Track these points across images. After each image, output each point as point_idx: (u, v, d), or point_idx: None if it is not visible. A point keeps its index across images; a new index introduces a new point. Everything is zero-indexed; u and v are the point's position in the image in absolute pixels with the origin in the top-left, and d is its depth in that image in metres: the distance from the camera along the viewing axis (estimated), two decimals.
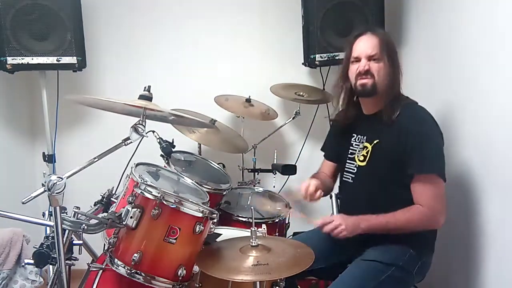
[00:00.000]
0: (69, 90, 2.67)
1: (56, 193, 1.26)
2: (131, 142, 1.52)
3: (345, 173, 1.80)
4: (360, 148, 1.74)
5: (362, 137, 1.75)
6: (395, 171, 1.61)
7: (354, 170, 1.75)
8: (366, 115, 1.75)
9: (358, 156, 1.73)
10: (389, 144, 1.63)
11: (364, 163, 1.71)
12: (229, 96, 2.56)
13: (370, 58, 1.63)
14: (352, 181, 1.75)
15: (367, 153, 1.70)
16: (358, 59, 1.65)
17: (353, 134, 1.78)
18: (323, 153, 1.99)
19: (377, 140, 1.68)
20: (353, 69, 1.67)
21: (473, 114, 1.73)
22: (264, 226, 1.57)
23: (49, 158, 2.60)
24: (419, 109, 1.66)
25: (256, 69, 2.81)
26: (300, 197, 1.70)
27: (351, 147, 1.78)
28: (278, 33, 2.79)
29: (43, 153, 2.62)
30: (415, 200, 1.59)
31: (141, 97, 1.59)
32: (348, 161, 1.78)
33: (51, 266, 1.79)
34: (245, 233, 1.75)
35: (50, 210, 2.25)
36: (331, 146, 1.95)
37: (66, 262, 1.39)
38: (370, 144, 1.69)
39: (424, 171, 1.57)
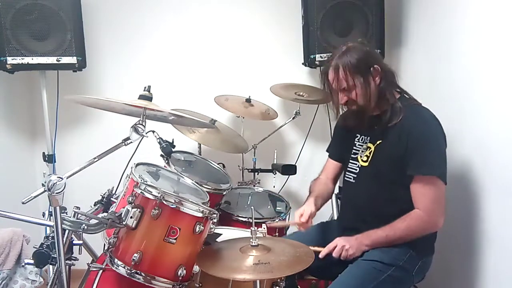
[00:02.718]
0: (69, 90, 2.67)
1: (56, 193, 1.26)
2: (131, 142, 1.52)
3: (347, 173, 1.80)
4: (363, 149, 1.73)
5: (365, 137, 1.74)
6: (396, 172, 1.61)
7: (356, 170, 1.74)
8: (370, 116, 1.73)
9: (361, 157, 1.73)
10: (391, 144, 1.63)
11: (366, 164, 1.71)
12: (229, 96, 2.56)
13: (342, 90, 1.64)
14: (354, 181, 1.75)
15: (370, 153, 1.70)
16: (336, 91, 1.67)
17: (357, 135, 1.78)
18: (326, 154, 1.98)
19: (380, 141, 1.67)
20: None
21: (473, 114, 1.73)
22: (264, 226, 1.57)
23: (49, 158, 2.60)
24: (422, 110, 1.65)
25: (256, 69, 2.81)
26: (295, 224, 1.70)
27: (354, 147, 1.78)
28: (278, 33, 2.79)
29: (43, 153, 2.61)
30: (414, 202, 1.59)
31: (141, 97, 1.59)
32: (350, 161, 1.78)
33: (51, 266, 1.79)
34: (245, 233, 1.75)
35: (50, 210, 2.27)
36: (335, 146, 1.94)
37: (66, 262, 1.39)
38: (373, 145, 1.69)
39: (423, 172, 1.57)
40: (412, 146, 1.57)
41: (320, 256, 1.59)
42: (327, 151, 1.98)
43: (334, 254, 1.59)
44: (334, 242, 1.61)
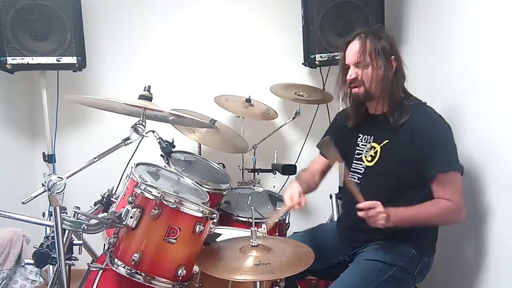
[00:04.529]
0: (69, 90, 2.67)
1: (56, 193, 1.26)
2: (131, 142, 1.52)
3: (351, 173, 1.75)
4: (367, 149, 1.71)
5: (368, 137, 1.72)
6: (407, 172, 1.59)
7: (361, 170, 1.71)
8: (372, 114, 1.72)
9: (366, 157, 1.70)
10: (401, 145, 1.60)
11: (372, 164, 1.68)
12: (229, 96, 2.56)
13: (357, 65, 1.62)
14: (358, 181, 1.71)
15: (375, 153, 1.67)
16: (348, 66, 1.65)
17: (359, 134, 1.75)
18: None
19: (387, 141, 1.64)
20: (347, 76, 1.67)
21: (473, 114, 1.73)
22: (264, 226, 1.57)
23: (49, 158, 2.60)
24: (428, 109, 1.64)
25: (256, 69, 2.81)
26: (289, 208, 1.67)
27: (357, 147, 1.74)
28: (278, 33, 2.79)
29: (43, 153, 2.61)
30: (438, 197, 1.55)
31: (141, 97, 1.60)
32: (354, 161, 1.74)
33: (51, 266, 1.79)
34: (245, 233, 1.75)
35: (50, 210, 2.27)
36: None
37: (66, 262, 1.39)
38: (379, 145, 1.66)
39: (447, 169, 1.54)
40: (426, 146, 1.55)
41: (358, 205, 1.50)
42: (317, 147, 1.90)
43: (362, 214, 1.49)
44: (375, 203, 1.50)
